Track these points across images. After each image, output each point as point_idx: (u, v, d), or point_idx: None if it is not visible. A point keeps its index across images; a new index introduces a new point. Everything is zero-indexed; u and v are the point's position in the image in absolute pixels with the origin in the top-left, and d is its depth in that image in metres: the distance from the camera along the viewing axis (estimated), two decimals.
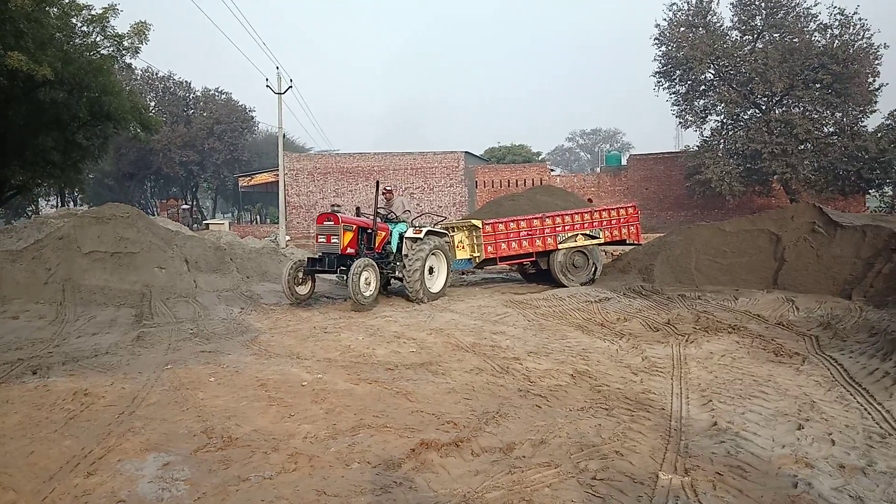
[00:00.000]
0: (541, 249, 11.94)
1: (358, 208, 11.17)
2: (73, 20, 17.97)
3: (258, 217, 44.99)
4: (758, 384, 5.13)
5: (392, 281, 11.26)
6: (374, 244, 10.66)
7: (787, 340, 6.75)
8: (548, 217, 12.00)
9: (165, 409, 4.68)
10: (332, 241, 10.04)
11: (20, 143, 17.41)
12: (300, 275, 10.34)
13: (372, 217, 10.72)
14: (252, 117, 44.15)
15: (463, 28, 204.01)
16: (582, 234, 12.26)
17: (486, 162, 41.93)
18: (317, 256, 10.43)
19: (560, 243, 12.01)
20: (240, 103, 43.34)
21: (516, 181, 34.92)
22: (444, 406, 4.72)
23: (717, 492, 3.17)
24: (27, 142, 17.46)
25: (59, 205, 38.65)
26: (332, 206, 11.29)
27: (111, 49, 18.78)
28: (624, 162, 35.87)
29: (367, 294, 9.54)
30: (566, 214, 12.18)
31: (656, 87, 28.30)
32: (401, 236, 10.86)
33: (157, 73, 41.13)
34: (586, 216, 12.37)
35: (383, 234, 10.85)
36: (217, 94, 43.47)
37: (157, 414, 4.57)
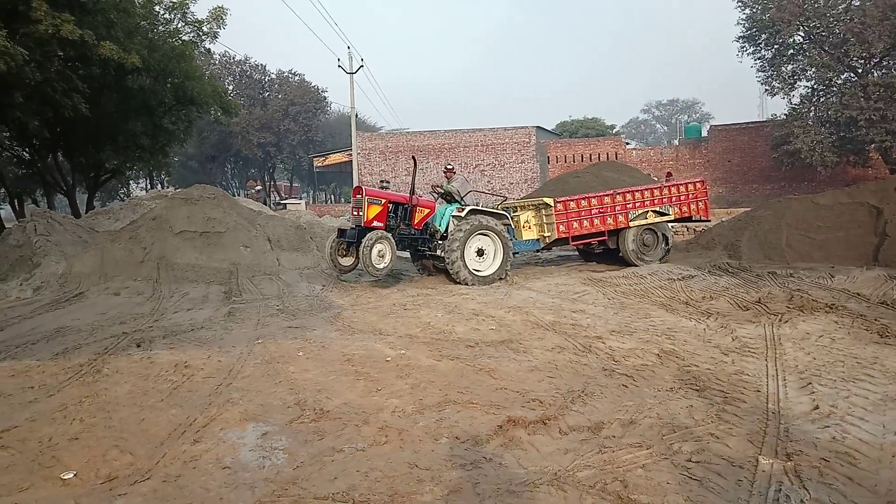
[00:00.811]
0: (612, 228, 11.58)
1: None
2: (156, 8, 18.78)
3: (332, 196, 46.00)
4: (862, 367, 4.83)
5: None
6: (412, 220, 10.57)
7: (893, 320, 6.32)
8: (618, 194, 11.59)
9: (259, 382, 4.89)
10: (360, 213, 10.13)
11: (112, 129, 18.46)
12: (343, 246, 10.44)
13: (409, 192, 10.53)
14: (325, 98, 45.00)
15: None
16: (652, 211, 11.82)
17: (558, 137, 41.13)
18: (346, 228, 10.56)
19: (631, 221, 11.61)
20: (312, 84, 44.20)
21: (590, 156, 34.07)
22: (527, 384, 4.71)
23: (823, 479, 3.02)
24: (118, 128, 18.50)
25: (149, 187, 40.89)
26: (381, 181, 11.39)
27: (191, 35, 19.53)
28: (704, 133, 34.29)
29: (381, 266, 9.52)
30: (636, 191, 11.73)
31: (740, 53, 26.75)
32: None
33: (234, 58, 42.50)
34: (656, 192, 11.88)
35: (426, 210, 10.71)
36: (291, 75, 44.51)
37: (253, 386, 4.78)
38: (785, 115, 26.10)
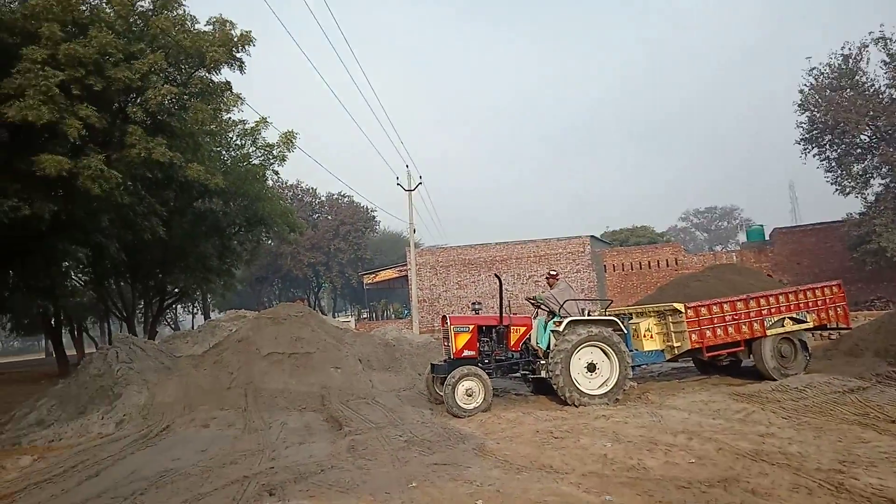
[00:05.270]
0: (748, 336, 10.31)
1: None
2: (230, 134, 19.22)
3: (383, 312, 45.38)
4: None
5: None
6: (508, 342, 9.47)
7: None
8: (752, 299, 10.40)
9: None
10: (447, 344, 9.23)
11: (183, 251, 18.30)
12: (439, 381, 9.42)
13: (498, 313, 9.53)
14: (373, 217, 45.70)
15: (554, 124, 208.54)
16: (789, 318, 10.53)
17: (609, 245, 40.46)
18: (438, 363, 9.59)
19: (768, 329, 10.32)
20: (362, 205, 45.10)
21: (648, 262, 33.25)
22: None
23: None
24: (189, 250, 18.34)
25: (197, 312, 40.97)
26: (473, 304, 10.45)
27: (261, 158, 19.82)
28: (766, 237, 33.30)
29: (470, 407, 8.44)
30: (772, 295, 10.53)
31: (803, 154, 26.36)
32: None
33: (286, 182, 43.81)
34: (791, 297, 10.65)
35: (522, 329, 9.58)
36: (340, 197, 45.58)
37: None
38: (860, 213, 25.16)
